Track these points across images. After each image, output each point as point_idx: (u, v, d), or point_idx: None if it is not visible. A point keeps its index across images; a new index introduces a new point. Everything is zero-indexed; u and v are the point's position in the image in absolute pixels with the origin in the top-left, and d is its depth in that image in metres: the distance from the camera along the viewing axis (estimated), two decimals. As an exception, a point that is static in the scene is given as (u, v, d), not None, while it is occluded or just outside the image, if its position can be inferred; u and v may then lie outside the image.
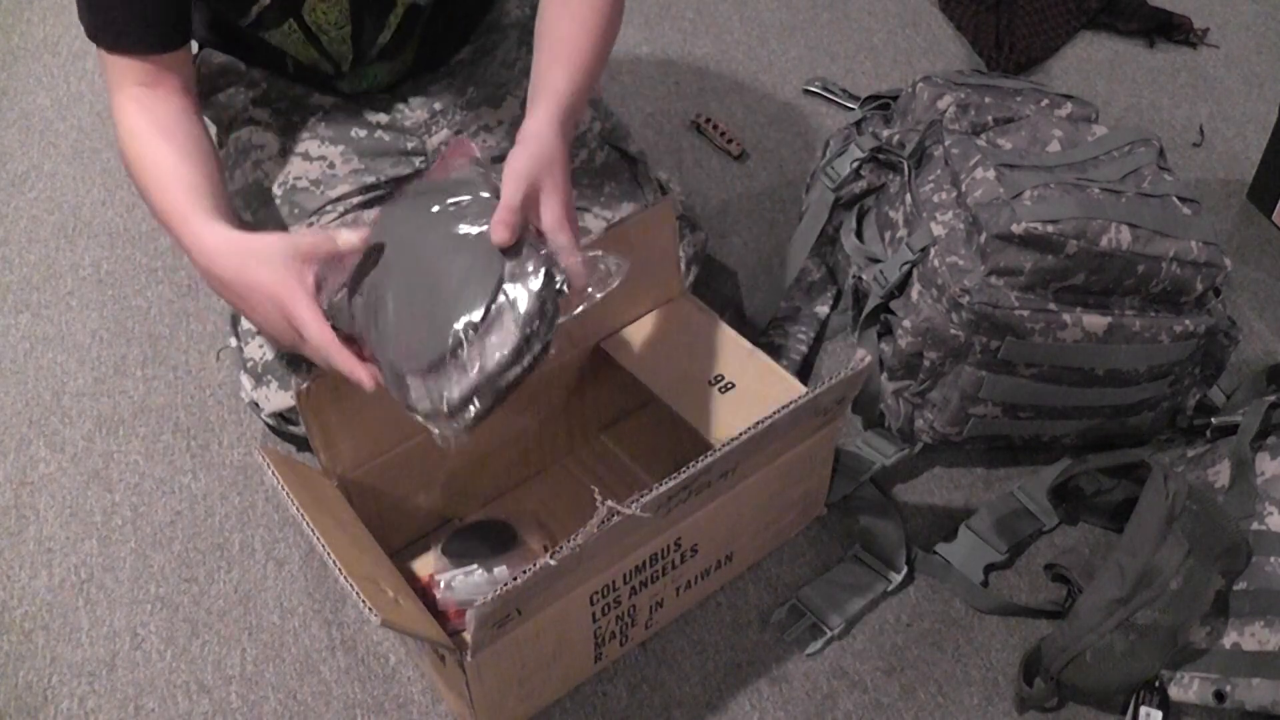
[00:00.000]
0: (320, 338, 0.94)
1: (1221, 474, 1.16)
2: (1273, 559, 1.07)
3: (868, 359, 1.06)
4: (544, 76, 1.07)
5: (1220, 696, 1.06)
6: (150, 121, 1.09)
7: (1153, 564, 1.05)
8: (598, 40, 1.10)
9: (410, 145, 1.32)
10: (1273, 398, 1.22)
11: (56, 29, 1.92)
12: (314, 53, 1.22)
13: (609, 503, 0.92)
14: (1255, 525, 1.09)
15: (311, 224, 1.23)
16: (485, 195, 0.96)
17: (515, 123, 1.33)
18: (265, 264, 0.97)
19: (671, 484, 0.95)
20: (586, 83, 1.08)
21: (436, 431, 0.92)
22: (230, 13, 1.18)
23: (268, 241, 0.99)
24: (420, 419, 0.92)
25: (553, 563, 0.89)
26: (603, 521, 0.92)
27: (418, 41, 1.28)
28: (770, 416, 1.00)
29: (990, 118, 1.30)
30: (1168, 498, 1.06)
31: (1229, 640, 1.06)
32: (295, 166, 1.26)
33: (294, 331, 0.96)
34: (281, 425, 1.27)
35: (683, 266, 1.36)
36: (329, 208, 1.25)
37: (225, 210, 1.07)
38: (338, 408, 1.05)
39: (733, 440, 0.98)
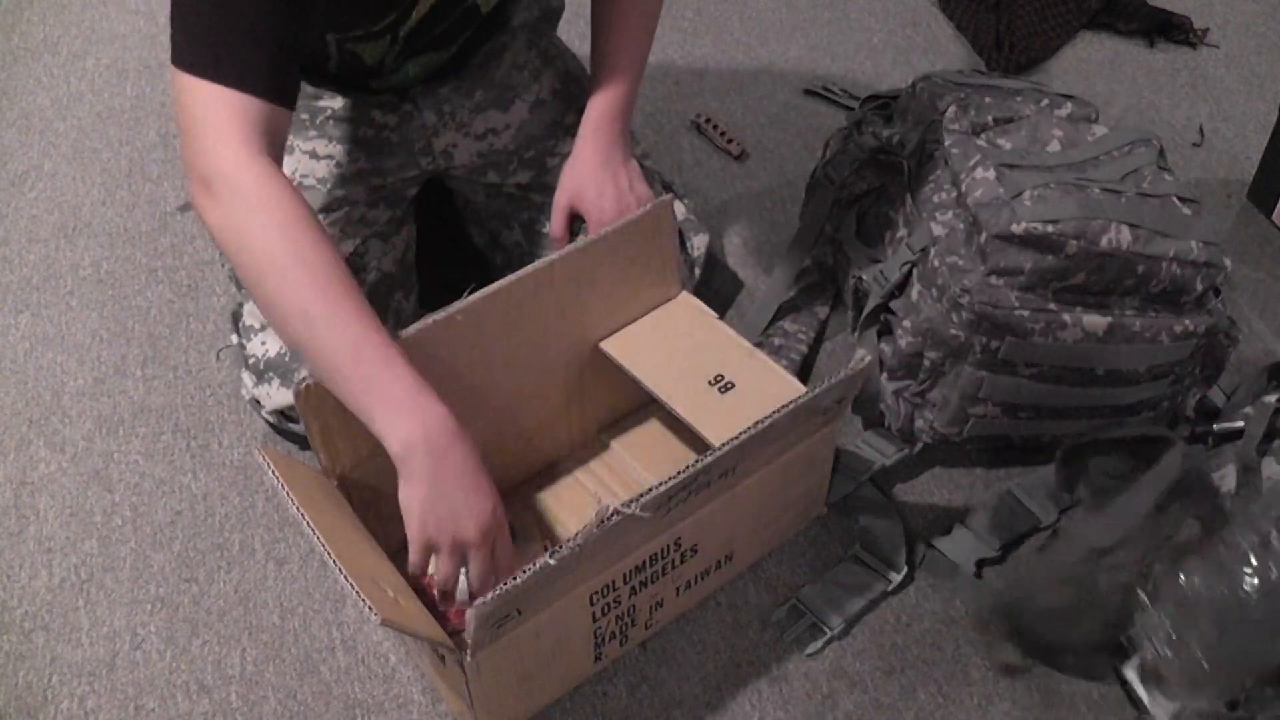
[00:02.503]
0: (509, 554, 0.99)
1: (1227, 478, 1.16)
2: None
3: (868, 359, 1.06)
4: (602, 95, 1.24)
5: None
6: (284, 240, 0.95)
7: (1143, 527, 1.05)
8: (647, 52, 1.28)
9: (418, 146, 1.32)
10: (1277, 402, 1.22)
11: (56, 29, 1.92)
12: (381, 50, 1.20)
13: (609, 502, 0.92)
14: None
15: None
16: None
17: (523, 125, 1.35)
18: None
19: (671, 484, 0.95)
20: (637, 87, 1.27)
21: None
22: (357, 28, 1.15)
23: None
24: None
25: (553, 562, 0.89)
26: (603, 521, 0.92)
27: (465, 39, 1.28)
28: (770, 416, 1.00)
29: (990, 118, 1.29)
30: (1180, 472, 1.05)
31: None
32: (302, 164, 1.26)
33: (487, 529, 0.96)
34: (282, 423, 1.27)
35: (687, 268, 1.36)
36: (335, 206, 1.26)
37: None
38: (338, 407, 1.05)
39: (733, 440, 0.98)
